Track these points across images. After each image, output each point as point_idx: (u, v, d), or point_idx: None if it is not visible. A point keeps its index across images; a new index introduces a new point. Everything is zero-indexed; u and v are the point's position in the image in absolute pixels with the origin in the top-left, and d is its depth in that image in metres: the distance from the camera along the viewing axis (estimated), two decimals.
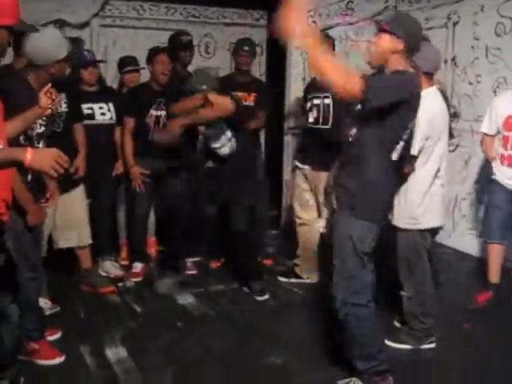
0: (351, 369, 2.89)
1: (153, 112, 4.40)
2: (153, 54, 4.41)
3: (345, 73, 2.50)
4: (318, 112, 3.99)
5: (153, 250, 4.86)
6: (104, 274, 4.36)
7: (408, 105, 2.62)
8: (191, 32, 5.00)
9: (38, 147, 2.99)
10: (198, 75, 4.08)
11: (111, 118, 4.36)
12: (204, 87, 3.84)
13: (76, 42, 3.68)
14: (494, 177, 3.89)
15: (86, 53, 4.23)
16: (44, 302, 3.70)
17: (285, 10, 2.35)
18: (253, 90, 4.73)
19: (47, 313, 3.68)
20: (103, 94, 4.38)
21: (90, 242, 4.06)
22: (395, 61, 2.66)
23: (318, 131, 3.99)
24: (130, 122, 4.39)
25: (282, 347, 3.36)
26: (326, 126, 3.96)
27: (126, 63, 4.71)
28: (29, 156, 2.03)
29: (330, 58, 2.58)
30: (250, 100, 4.73)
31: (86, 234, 4.02)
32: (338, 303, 2.77)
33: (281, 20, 2.34)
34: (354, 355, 2.84)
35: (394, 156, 2.67)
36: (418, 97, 2.69)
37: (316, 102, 4.02)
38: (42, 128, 3.04)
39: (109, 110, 4.33)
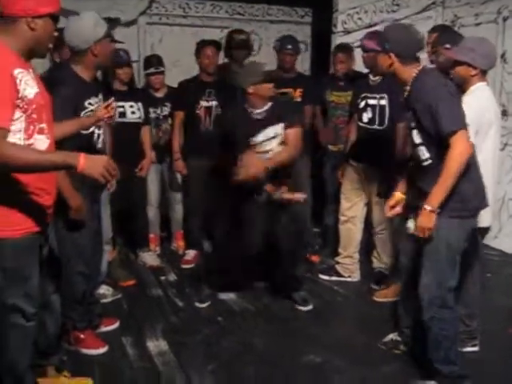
0: (429, 372, 2.88)
1: (203, 103, 4.51)
2: (199, 47, 4.58)
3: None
4: (374, 113, 3.95)
5: (180, 243, 4.95)
6: (141, 263, 4.64)
7: None
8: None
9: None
10: (244, 70, 3.99)
11: (139, 117, 4.45)
12: (250, 80, 3.61)
13: (111, 22, 3.64)
14: None
15: (122, 53, 4.28)
16: (106, 289, 3.88)
17: None
18: (299, 85, 4.72)
19: (109, 299, 3.86)
20: (133, 93, 4.48)
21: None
22: (399, 71, 2.71)
23: (373, 131, 3.95)
24: (179, 116, 4.54)
25: (322, 345, 3.36)
26: (382, 127, 3.92)
27: (149, 64, 4.70)
28: (82, 162, 2.09)
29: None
30: (296, 96, 4.72)
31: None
32: (425, 304, 2.75)
33: None
34: (437, 358, 2.80)
35: None
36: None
37: (371, 102, 3.97)
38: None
39: (138, 109, 4.43)
